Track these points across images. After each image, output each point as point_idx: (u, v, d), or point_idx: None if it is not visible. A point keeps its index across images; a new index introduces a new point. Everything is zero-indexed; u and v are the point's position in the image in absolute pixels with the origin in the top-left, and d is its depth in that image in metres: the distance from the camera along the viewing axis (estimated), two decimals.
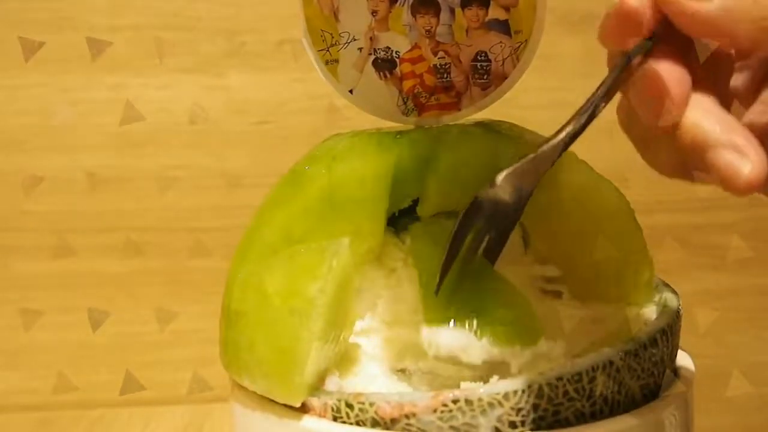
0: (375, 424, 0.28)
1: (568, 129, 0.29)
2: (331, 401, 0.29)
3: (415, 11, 0.33)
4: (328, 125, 0.59)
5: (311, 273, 0.29)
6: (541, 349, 0.30)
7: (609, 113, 0.66)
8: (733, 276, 0.64)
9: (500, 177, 0.30)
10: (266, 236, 0.32)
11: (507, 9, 0.33)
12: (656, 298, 0.34)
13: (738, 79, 0.31)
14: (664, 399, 0.31)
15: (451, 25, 0.33)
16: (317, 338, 0.29)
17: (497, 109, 0.34)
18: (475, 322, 0.32)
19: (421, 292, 0.33)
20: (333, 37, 0.34)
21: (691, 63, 0.27)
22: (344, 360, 0.32)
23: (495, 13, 0.33)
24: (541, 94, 0.59)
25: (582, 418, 0.29)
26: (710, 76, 0.27)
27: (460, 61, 0.34)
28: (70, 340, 0.61)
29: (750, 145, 0.25)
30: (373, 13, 0.33)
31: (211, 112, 0.61)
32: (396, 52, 0.34)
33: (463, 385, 0.29)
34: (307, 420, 0.29)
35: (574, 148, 0.34)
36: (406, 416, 0.28)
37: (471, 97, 0.34)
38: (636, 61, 0.27)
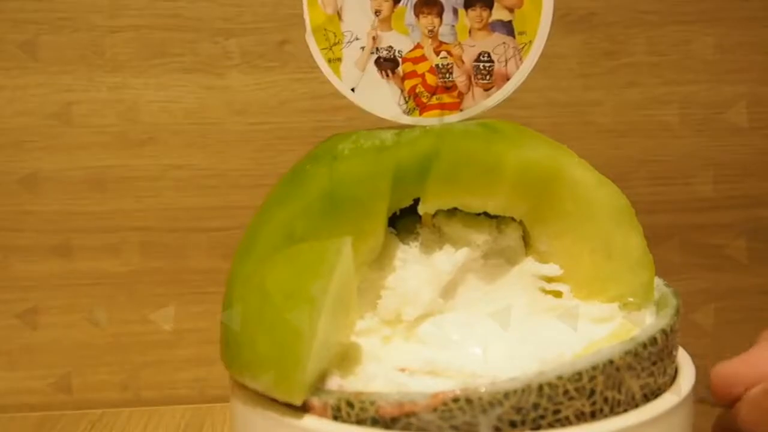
0: (375, 423, 0.28)
1: None
2: (332, 400, 0.29)
3: (417, 11, 0.33)
4: (328, 125, 0.59)
5: (312, 272, 0.29)
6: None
7: (609, 114, 0.66)
8: (733, 276, 0.64)
9: None
10: (267, 235, 0.32)
11: (511, 10, 0.33)
12: (656, 298, 0.34)
13: None
14: (664, 399, 0.31)
15: (454, 26, 0.33)
16: (318, 337, 0.29)
17: (497, 109, 0.34)
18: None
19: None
20: (336, 36, 0.34)
21: None
22: (344, 359, 0.32)
23: (499, 14, 0.33)
24: (541, 94, 0.59)
25: (582, 418, 0.29)
26: None
27: (463, 62, 0.34)
28: (70, 340, 0.61)
29: None
30: (377, 12, 0.33)
31: (211, 112, 0.61)
32: (398, 51, 0.34)
33: (464, 383, 0.29)
34: (308, 419, 0.29)
35: (574, 148, 0.34)
36: (407, 415, 0.28)
37: (473, 98, 0.34)
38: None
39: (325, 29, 0.34)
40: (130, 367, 0.62)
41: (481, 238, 0.34)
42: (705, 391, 0.34)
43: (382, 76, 0.34)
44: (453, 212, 0.34)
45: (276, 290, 0.30)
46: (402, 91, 0.34)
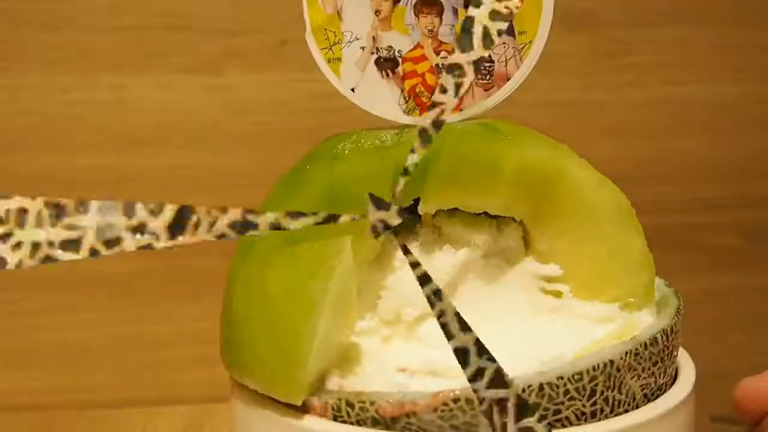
0: (375, 423, 0.28)
1: None
2: (332, 400, 0.29)
3: (417, 11, 0.33)
4: (328, 125, 0.59)
5: (312, 272, 0.29)
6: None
7: (609, 114, 0.66)
8: (733, 276, 0.64)
9: None
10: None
11: None
12: (656, 298, 0.34)
13: None
14: (664, 399, 0.31)
15: (454, 25, 0.33)
16: (318, 337, 0.29)
17: (497, 109, 0.34)
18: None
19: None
20: (336, 36, 0.34)
21: None
22: (344, 360, 0.32)
23: None
24: (541, 94, 0.59)
25: (582, 418, 0.29)
26: None
27: None
28: (70, 340, 0.61)
29: None
30: (376, 12, 0.33)
31: (211, 112, 0.61)
32: (398, 51, 0.34)
33: (464, 383, 0.29)
34: (308, 419, 0.29)
35: (574, 148, 0.34)
36: (407, 415, 0.28)
37: (473, 98, 0.34)
38: None
39: (325, 29, 0.34)
40: (130, 367, 0.62)
41: (481, 238, 0.34)
42: (728, 413, 0.34)
43: (382, 76, 0.34)
44: (453, 212, 0.34)
45: (276, 290, 0.30)
46: (402, 90, 0.34)
